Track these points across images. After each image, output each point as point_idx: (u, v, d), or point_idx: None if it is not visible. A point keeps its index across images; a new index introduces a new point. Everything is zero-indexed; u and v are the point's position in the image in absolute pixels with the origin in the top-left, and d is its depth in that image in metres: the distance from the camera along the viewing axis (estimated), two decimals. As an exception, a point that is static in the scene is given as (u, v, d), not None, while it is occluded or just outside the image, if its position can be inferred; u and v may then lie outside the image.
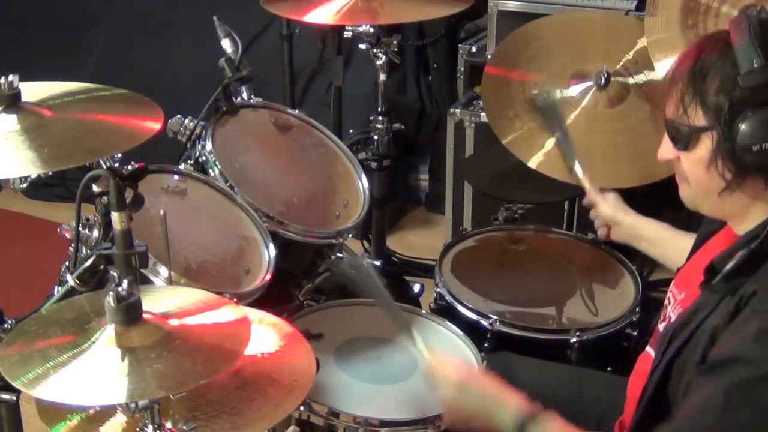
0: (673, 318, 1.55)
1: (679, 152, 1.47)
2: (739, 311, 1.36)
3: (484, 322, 2.09)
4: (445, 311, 2.17)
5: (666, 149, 1.51)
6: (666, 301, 1.65)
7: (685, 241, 1.79)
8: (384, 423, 1.76)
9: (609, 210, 2.07)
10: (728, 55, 1.36)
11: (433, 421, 1.76)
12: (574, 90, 2.34)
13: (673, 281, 1.67)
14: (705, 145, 1.41)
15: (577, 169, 2.17)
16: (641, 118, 2.28)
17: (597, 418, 1.81)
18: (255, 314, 1.62)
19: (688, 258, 1.69)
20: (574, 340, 2.06)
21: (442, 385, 1.67)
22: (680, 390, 1.44)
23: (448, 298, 2.18)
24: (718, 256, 1.45)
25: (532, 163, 2.27)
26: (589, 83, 2.33)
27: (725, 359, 1.33)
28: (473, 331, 2.05)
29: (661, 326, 1.62)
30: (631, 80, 2.33)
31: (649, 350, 1.65)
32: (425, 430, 1.75)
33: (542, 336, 2.09)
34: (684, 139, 1.44)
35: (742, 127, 1.35)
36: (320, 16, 2.46)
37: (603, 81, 2.30)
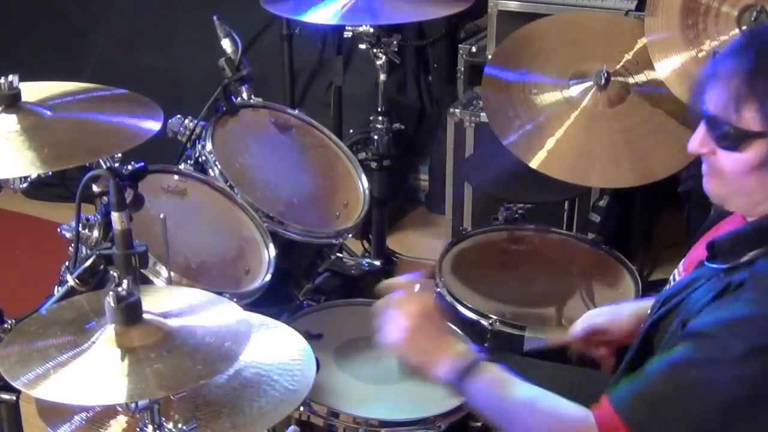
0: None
1: (717, 149, 1.37)
2: (724, 293, 1.33)
3: (484, 322, 2.09)
4: (445, 311, 2.17)
5: (699, 143, 1.39)
6: (671, 279, 1.63)
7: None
8: (384, 423, 1.77)
9: (581, 327, 1.85)
10: None
11: (433, 421, 1.76)
12: (574, 90, 2.34)
13: (681, 262, 1.63)
14: (756, 150, 1.31)
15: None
16: (641, 118, 2.28)
17: None
18: (255, 316, 1.62)
19: (695, 241, 1.64)
20: (574, 340, 2.06)
21: (393, 319, 1.55)
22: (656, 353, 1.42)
23: (449, 298, 2.18)
24: (720, 236, 1.42)
25: (533, 163, 2.27)
26: (589, 83, 2.33)
27: (692, 332, 1.32)
28: (473, 331, 2.05)
29: None
30: (631, 80, 2.33)
31: None
32: (425, 430, 1.75)
33: (542, 336, 2.09)
34: (731, 140, 1.33)
35: None
36: (320, 16, 2.46)
37: (603, 81, 2.30)
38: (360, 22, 2.52)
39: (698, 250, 1.60)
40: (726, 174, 1.38)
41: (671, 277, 1.64)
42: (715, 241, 1.42)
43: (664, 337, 1.44)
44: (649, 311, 1.60)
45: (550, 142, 2.28)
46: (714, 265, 1.42)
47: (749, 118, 1.30)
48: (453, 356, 1.49)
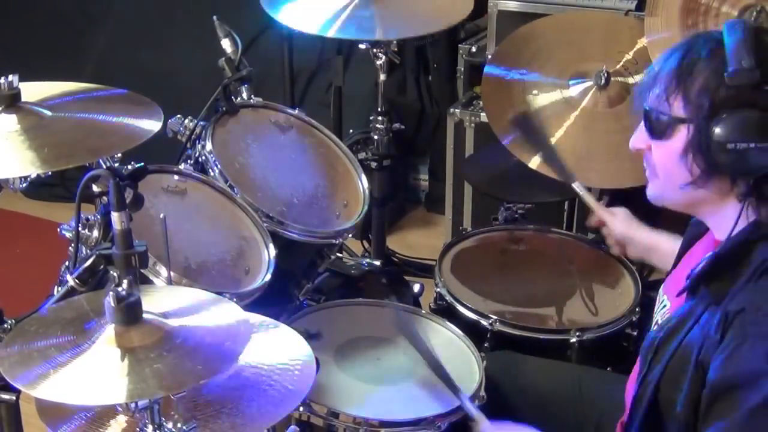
0: (659, 322, 1.57)
1: (652, 141, 1.49)
2: (729, 327, 1.36)
3: (484, 322, 2.10)
4: (445, 311, 2.17)
5: (639, 138, 1.53)
6: (656, 305, 1.66)
7: None
8: (384, 423, 1.76)
9: (621, 228, 2.05)
10: (718, 53, 1.38)
11: (433, 421, 1.76)
12: (573, 90, 2.34)
13: (662, 285, 1.68)
14: (680, 137, 1.43)
15: (577, 188, 2.16)
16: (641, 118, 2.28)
17: (597, 417, 1.81)
18: (255, 316, 1.62)
19: (675, 264, 1.70)
20: (574, 340, 2.07)
21: None
22: (676, 407, 1.43)
23: (448, 298, 2.18)
24: (697, 264, 1.46)
25: (533, 164, 2.27)
26: (589, 83, 2.33)
27: (728, 385, 1.33)
28: (473, 331, 2.05)
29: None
30: (631, 80, 2.33)
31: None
32: (425, 430, 1.75)
33: (542, 336, 2.09)
34: (661, 128, 1.45)
35: (721, 124, 1.37)
36: (321, 27, 2.47)
37: (603, 81, 2.30)
38: (358, 36, 2.52)
39: (678, 274, 1.63)
40: (658, 167, 1.49)
41: (656, 303, 1.67)
42: (694, 275, 1.46)
43: (680, 383, 1.43)
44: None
45: (550, 143, 2.28)
46: (695, 297, 1.46)
47: (676, 108, 1.43)
48: None
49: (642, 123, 1.51)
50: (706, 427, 1.36)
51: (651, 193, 1.55)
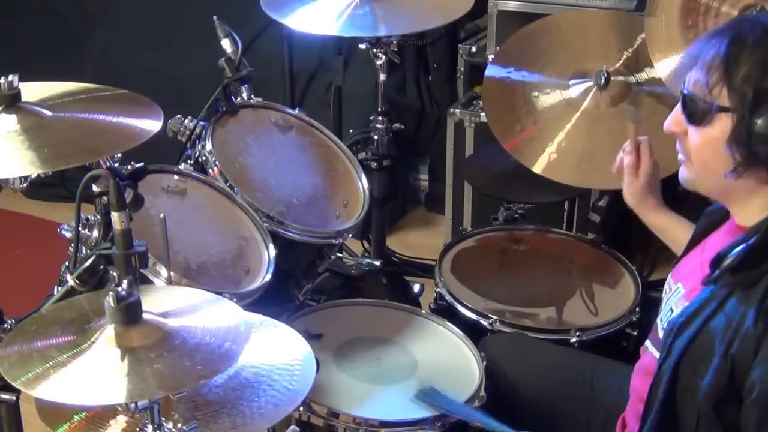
0: (676, 311, 1.54)
1: (689, 126, 1.46)
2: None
3: (484, 322, 2.10)
4: (445, 311, 2.17)
5: (674, 122, 1.50)
6: (663, 294, 1.64)
7: None
8: (384, 423, 1.76)
9: (631, 200, 1.93)
10: (764, 41, 1.36)
11: (433, 421, 1.76)
12: (574, 90, 2.34)
13: (670, 273, 1.65)
14: (721, 125, 1.41)
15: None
16: (642, 117, 2.27)
17: (606, 408, 1.80)
18: (255, 316, 1.62)
19: (688, 249, 1.67)
20: (574, 340, 2.07)
21: None
22: (697, 393, 1.41)
23: (448, 298, 2.19)
24: (724, 249, 1.43)
25: (536, 169, 2.26)
26: (590, 83, 2.33)
27: None
28: (473, 331, 2.05)
29: (661, 318, 1.61)
30: (632, 78, 2.33)
31: (650, 346, 1.64)
32: (425, 430, 1.75)
33: (542, 336, 2.09)
34: (701, 115, 1.43)
35: (763, 117, 1.35)
36: (318, 25, 2.47)
37: (603, 80, 2.30)
38: (359, 33, 2.52)
39: (690, 261, 1.61)
40: (695, 153, 1.47)
41: (663, 291, 1.64)
42: (721, 257, 1.42)
43: (700, 371, 1.41)
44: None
45: (552, 147, 2.27)
46: (719, 283, 1.43)
47: (719, 95, 1.40)
48: None
49: (678, 106, 1.49)
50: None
51: (684, 177, 1.53)
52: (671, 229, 1.89)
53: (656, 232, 1.93)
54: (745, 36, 1.39)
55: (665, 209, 1.92)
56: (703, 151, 1.45)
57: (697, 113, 1.44)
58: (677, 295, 1.58)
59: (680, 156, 1.53)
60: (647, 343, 1.66)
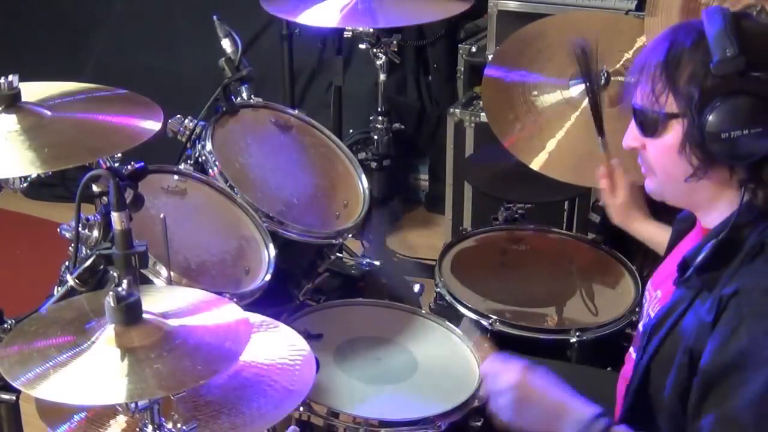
0: (651, 316, 1.56)
1: (646, 139, 1.48)
2: (724, 310, 1.35)
3: (484, 322, 2.09)
4: (445, 311, 2.17)
5: (631, 137, 1.51)
6: (644, 300, 1.66)
7: None
8: (384, 423, 1.76)
9: (616, 219, 2.01)
10: (701, 43, 1.37)
11: (433, 421, 1.76)
12: (574, 90, 2.34)
13: (650, 281, 1.68)
14: (674, 132, 1.42)
15: (600, 144, 2.09)
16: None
17: None
18: (255, 316, 1.62)
19: (664, 257, 1.70)
20: (574, 340, 2.07)
21: (497, 390, 1.60)
22: (664, 391, 1.43)
23: (448, 298, 2.18)
24: (689, 251, 1.46)
25: (534, 166, 2.26)
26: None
27: (725, 368, 1.32)
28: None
29: (640, 326, 1.64)
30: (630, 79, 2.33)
31: (632, 351, 1.66)
32: (425, 430, 1.75)
33: (542, 336, 2.09)
34: (653, 126, 1.44)
35: (712, 115, 1.36)
36: (320, 18, 2.47)
37: (603, 80, 2.29)
38: (359, 25, 2.52)
39: (665, 268, 1.63)
40: (655, 165, 1.49)
41: (643, 298, 1.67)
42: (687, 260, 1.45)
43: (669, 369, 1.43)
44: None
45: (551, 144, 2.27)
46: (688, 285, 1.45)
47: (665, 102, 1.41)
48: (574, 424, 1.50)
49: (633, 121, 1.50)
50: (703, 416, 1.35)
51: (650, 189, 1.54)
52: (658, 238, 1.92)
53: (646, 242, 1.98)
54: (682, 40, 1.40)
55: (650, 220, 1.97)
56: (662, 161, 1.46)
57: (650, 124, 1.45)
58: (654, 301, 1.61)
59: (643, 169, 1.54)
60: (631, 348, 1.67)
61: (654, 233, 1.95)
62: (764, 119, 1.35)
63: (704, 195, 1.46)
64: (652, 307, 1.60)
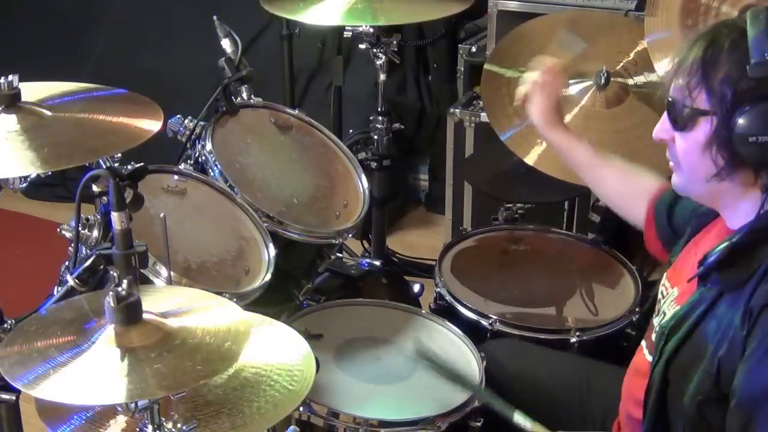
0: (668, 315, 1.55)
1: (675, 133, 1.48)
2: (755, 324, 1.34)
3: (484, 322, 2.10)
4: (445, 311, 2.17)
5: (662, 129, 1.51)
6: (659, 295, 1.65)
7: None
8: (384, 423, 1.77)
9: (540, 118, 1.97)
10: (741, 43, 1.36)
11: (433, 421, 1.76)
12: (573, 89, 2.34)
13: (666, 273, 1.66)
14: (703, 129, 1.41)
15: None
16: (640, 119, 2.27)
17: (603, 412, 1.81)
18: (255, 316, 1.62)
19: (681, 250, 1.67)
20: (574, 340, 2.07)
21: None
22: (683, 397, 1.42)
23: (448, 298, 2.19)
24: (711, 250, 1.45)
25: (529, 159, 2.26)
26: (589, 83, 2.33)
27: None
28: (473, 331, 2.05)
29: (655, 320, 1.62)
30: (630, 81, 2.33)
31: (644, 347, 1.65)
32: (425, 430, 1.75)
33: (542, 336, 2.09)
34: (683, 120, 1.44)
35: (743, 116, 1.36)
36: (320, 16, 2.46)
37: (603, 81, 2.29)
38: (359, 23, 2.52)
39: (685, 263, 1.61)
40: (682, 159, 1.48)
41: (659, 292, 1.66)
42: (708, 263, 1.44)
43: (690, 374, 1.42)
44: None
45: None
46: (707, 285, 1.45)
47: (699, 100, 1.41)
48: None
49: (665, 114, 1.50)
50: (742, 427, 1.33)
51: (676, 184, 1.53)
52: (573, 147, 1.92)
53: (560, 153, 1.96)
54: (722, 39, 1.39)
55: (568, 129, 1.96)
56: (689, 156, 1.46)
57: (681, 118, 1.44)
58: (671, 298, 1.59)
59: (671, 163, 1.54)
60: (642, 343, 1.66)
61: (569, 142, 1.93)
62: None
63: (728, 196, 1.46)
64: (668, 305, 1.58)
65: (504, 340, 2.03)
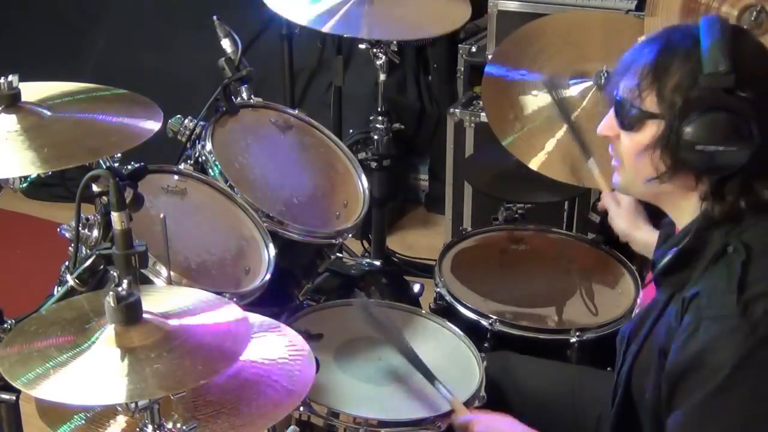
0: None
1: (621, 131, 1.49)
2: (685, 313, 1.38)
3: (484, 322, 2.10)
4: (445, 311, 2.17)
5: (608, 126, 1.52)
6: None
7: None
8: (384, 423, 1.76)
9: (622, 225, 2.01)
10: (695, 51, 1.38)
11: (433, 421, 1.76)
12: (573, 90, 2.34)
13: (641, 290, 1.70)
14: (649, 131, 1.43)
15: (591, 166, 2.12)
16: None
17: (596, 418, 1.81)
18: (255, 316, 1.62)
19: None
20: (574, 340, 2.07)
21: None
22: (645, 394, 1.46)
23: (448, 298, 2.18)
24: (657, 253, 1.49)
25: (533, 165, 2.27)
26: (590, 83, 2.33)
27: (685, 369, 1.35)
28: (473, 331, 2.05)
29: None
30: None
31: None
32: (425, 430, 1.75)
33: (542, 336, 2.09)
34: (631, 121, 1.45)
35: (691, 125, 1.37)
36: (319, 21, 2.47)
37: (603, 81, 2.29)
38: (356, 34, 2.53)
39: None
40: (625, 157, 1.50)
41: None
42: (659, 269, 1.48)
43: (648, 376, 1.46)
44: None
45: (550, 144, 2.27)
46: (662, 289, 1.49)
47: (648, 103, 1.42)
48: None
49: (612, 111, 1.51)
50: (671, 414, 1.38)
51: (616, 182, 1.56)
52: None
53: (647, 248, 1.95)
54: (676, 45, 1.41)
55: (652, 228, 1.95)
56: (633, 156, 1.47)
57: (628, 118, 1.46)
58: (637, 306, 1.62)
59: (613, 161, 1.55)
60: None
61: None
62: (740, 139, 1.36)
63: (669, 196, 1.48)
64: (636, 312, 1.63)
65: (496, 355, 2.03)
